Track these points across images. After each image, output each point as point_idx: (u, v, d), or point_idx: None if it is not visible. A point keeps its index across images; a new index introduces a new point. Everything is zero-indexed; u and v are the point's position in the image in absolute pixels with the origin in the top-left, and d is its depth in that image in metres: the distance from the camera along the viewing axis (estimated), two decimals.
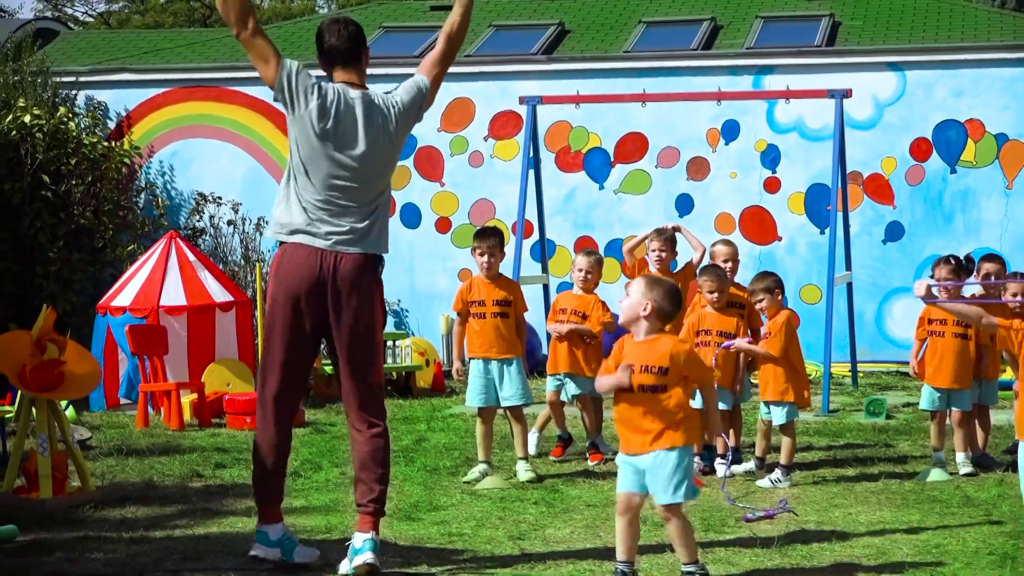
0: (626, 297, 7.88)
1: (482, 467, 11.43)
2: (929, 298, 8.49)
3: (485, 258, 11.41)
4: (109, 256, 18.87)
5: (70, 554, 8.97)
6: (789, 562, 8.68)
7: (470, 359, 11.57)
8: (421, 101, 8.57)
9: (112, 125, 20.01)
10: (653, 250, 12.37)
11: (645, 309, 7.69)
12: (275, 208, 8.40)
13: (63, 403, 11.63)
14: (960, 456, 11.34)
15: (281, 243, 8.30)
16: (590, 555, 8.91)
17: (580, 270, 12.17)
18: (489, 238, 11.53)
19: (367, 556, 8.01)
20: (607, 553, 8.95)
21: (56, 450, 10.69)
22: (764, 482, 11.14)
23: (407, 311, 19.10)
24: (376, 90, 8.53)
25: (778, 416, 11.33)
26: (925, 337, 11.64)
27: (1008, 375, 12.43)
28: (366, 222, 8.31)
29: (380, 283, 8.47)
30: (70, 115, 19.20)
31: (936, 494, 10.69)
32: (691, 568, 7.64)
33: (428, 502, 10.51)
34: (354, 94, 8.36)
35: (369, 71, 20.46)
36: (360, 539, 8.09)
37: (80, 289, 18.55)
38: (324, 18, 26.46)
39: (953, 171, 18.56)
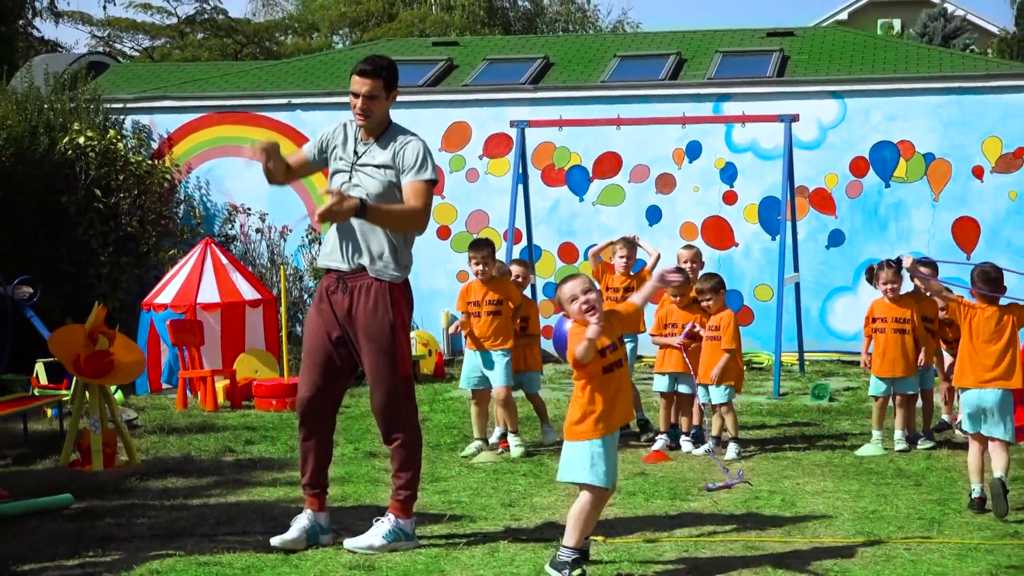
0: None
1: (477, 443, 11.42)
2: (914, 271, 9.89)
3: (480, 267, 11.46)
4: (152, 260, 18.87)
5: (118, 519, 8.96)
6: (745, 526, 8.68)
7: (466, 349, 11.57)
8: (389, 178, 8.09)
9: (155, 146, 19.99)
10: (620, 256, 12.36)
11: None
12: (394, 253, 8.02)
13: (112, 388, 11.65)
14: (898, 433, 11.35)
15: (405, 280, 8.14)
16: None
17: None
18: (483, 249, 11.58)
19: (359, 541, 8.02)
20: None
21: (106, 428, 10.70)
22: (730, 454, 11.15)
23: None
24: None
25: (718, 396, 11.39)
26: (871, 334, 11.62)
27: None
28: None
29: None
30: (119, 137, 19.20)
31: (872, 466, 10.71)
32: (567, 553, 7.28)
33: (431, 474, 10.50)
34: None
35: None
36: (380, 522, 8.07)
37: (127, 288, 18.53)
38: (342, 52, 26.41)
39: (887, 185, 18.56)
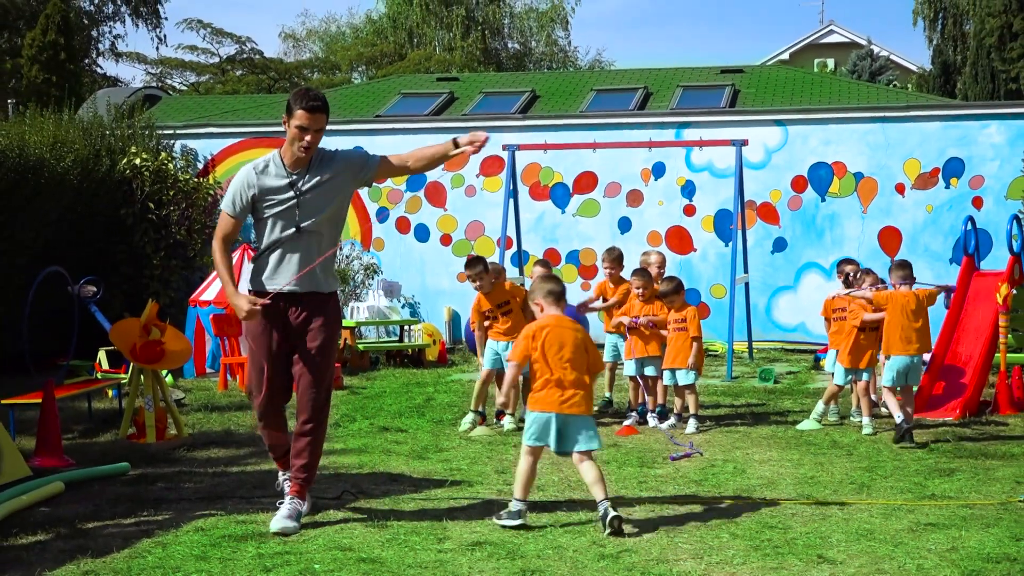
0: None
1: (472, 416, 11.42)
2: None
3: (477, 282, 11.46)
4: (198, 263, 18.86)
5: (168, 484, 8.94)
6: (702, 489, 8.68)
7: (490, 339, 11.56)
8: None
9: (200, 166, 19.98)
10: (606, 268, 12.38)
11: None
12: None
13: (164, 372, 11.63)
14: (865, 419, 11.12)
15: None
16: (552, 485, 8.89)
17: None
18: (475, 266, 11.57)
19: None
20: (566, 484, 8.94)
21: (158, 407, 10.71)
22: (689, 428, 11.19)
23: (419, 303, 19.07)
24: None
25: (684, 378, 11.39)
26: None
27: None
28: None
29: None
30: (169, 159, 19.18)
31: (811, 438, 10.73)
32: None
33: (435, 446, 10.50)
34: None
35: (391, 126, 20.45)
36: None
37: (176, 287, 18.52)
38: (360, 86, 26.39)
39: (823, 200, 18.59)
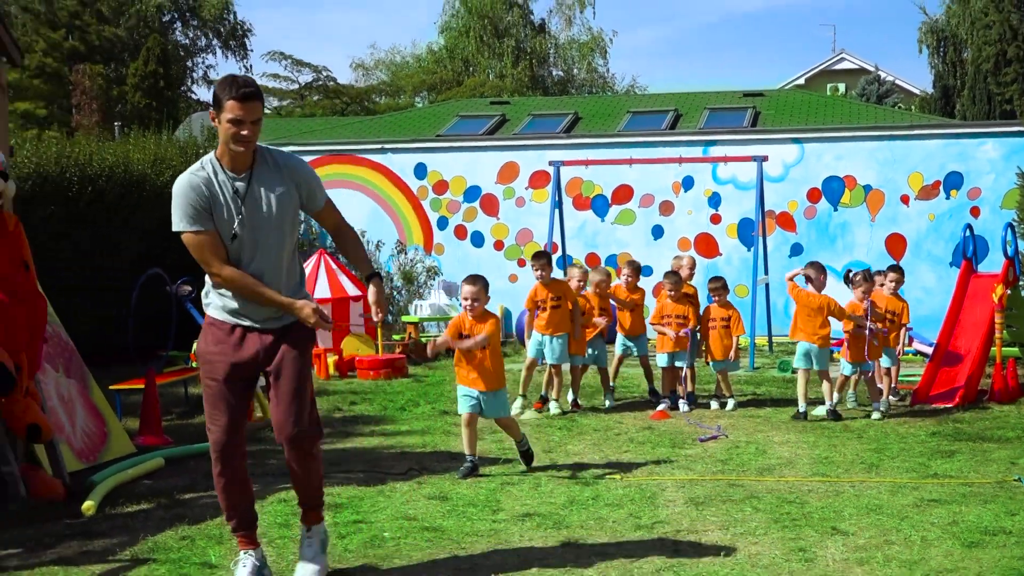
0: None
1: (520, 400, 11.42)
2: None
3: (539, 272, 11.40)
4: None
5: (254, 460, 8.97)
6: (727, 468, 8.64)
7: (534, 332, 11.54)
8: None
9: None
10: (624, 275, 12.32)
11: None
12: (303, 286, 5.88)
13: None
14: (880, 403, 11.09)
15: None
16: (594, 464, 8.89)
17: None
18: (541, 258, 11.61)
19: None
20: (607, 462, 8.92)
21: None
22: (729, 406, 11.47)
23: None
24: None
25: (731, 367, 11.78)
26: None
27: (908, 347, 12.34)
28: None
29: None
30: None
31: (824, 423, 10.64)
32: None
33: (489, 427, 10.48)
34: None
35: (449, 144, 20.45)
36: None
37: None
38: (422, 109, 26.44)
39: (836, 210, 18.47)
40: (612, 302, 12.23)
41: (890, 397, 11.49)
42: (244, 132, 5.44)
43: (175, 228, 5.58)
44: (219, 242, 5.53)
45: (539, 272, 11.44)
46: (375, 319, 5.71)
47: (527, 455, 8.70)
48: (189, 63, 41.43)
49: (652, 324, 11.84)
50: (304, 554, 5.96)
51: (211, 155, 5.59)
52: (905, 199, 18.23)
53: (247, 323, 5.65)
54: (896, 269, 12.02)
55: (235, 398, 5.68)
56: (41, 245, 9.81)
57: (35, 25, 34.99)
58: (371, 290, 5.70)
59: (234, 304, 5.64)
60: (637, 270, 12.50)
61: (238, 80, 5.48)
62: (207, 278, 5.68)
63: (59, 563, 6.22)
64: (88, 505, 7.38)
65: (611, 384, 12.15)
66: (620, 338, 12.29)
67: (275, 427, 5.73)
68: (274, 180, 5.62)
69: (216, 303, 5.70)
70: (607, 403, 11.82)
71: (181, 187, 5.55)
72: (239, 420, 5.70)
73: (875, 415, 10.88)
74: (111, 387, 10.82)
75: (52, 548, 6.58)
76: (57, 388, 8.94)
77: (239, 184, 5.54)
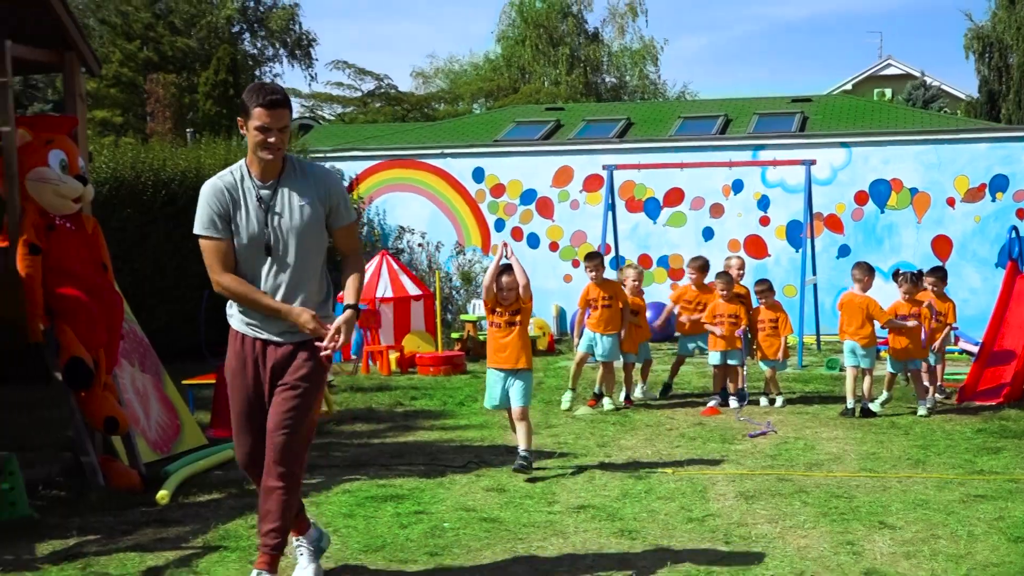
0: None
1: (570, 393, 11.39)
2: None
3: (592, 273, 11.36)
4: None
5: (320, 453, 9.05)
6: (776, 463, 8.59)
7: (586, 329, 11.51)
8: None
9: (346, 183, 20.18)
10: (631, 279, 12.14)
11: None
12: (329, 303, 5.54)
13: None
14: (926, 400, 10.96)
15: None
16: (647, 458, 8.86)
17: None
18: (594, 259, 11.55)
19: None
20: (658, 456, 8.90)
21: None
22: (778, 403, 11.41)
23: None
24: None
25: (779, 366, 11.71)
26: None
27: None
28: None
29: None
30: None
31: (872, 419, 10.53)
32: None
33: (545, 422, 10.50)
34: None
35: (507, 149, 20.38)
36: None
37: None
38: (480, 115, 26.46)
39: (882, 212, 18.28)
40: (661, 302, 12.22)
41: (936, 395, 11.35)
42: (271, 139, 5.20)
43: (194, 231, 5.36)
44: (229, 251, 5.29)
45: (592, 272, 11.41)
46: (326, 344, 5.16)
47: (522, 464, 8.18)
48: (257, 72, 41.71)
49: (705, 323, 11.78)
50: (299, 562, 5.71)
51: (243, 161, 5.38)
52: (951, 201, 18.01)
53: (265, 336, 5.35)
54: (934, 272, 11.84)
55: (259, 415, 5.35)
56: (117, 246, 9.93)
57: (112, 37, 35.41)
58: (342, 315, 5.27)
59: (251, 317, 5.36)
60: (703, 268, 12.35)
61: (265, 87, 5.26)
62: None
63: (136, 549, 6.30)
64: (162, 494, 7.46)
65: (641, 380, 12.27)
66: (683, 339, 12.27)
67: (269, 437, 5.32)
68: (300, 190, 5.33)
69: (236, 316, 5.43)
70: (638, 393, 11.81)
71: (205, 191, 5.35)
72: (262, 441, 5.33)
73: (920, 411, 10.76)
74: (184, 382, 10.93)
75: (129, 535, 6.67)
76: (133, 382, 9.05)
77: (264, 192, 5.30)
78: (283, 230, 5.28)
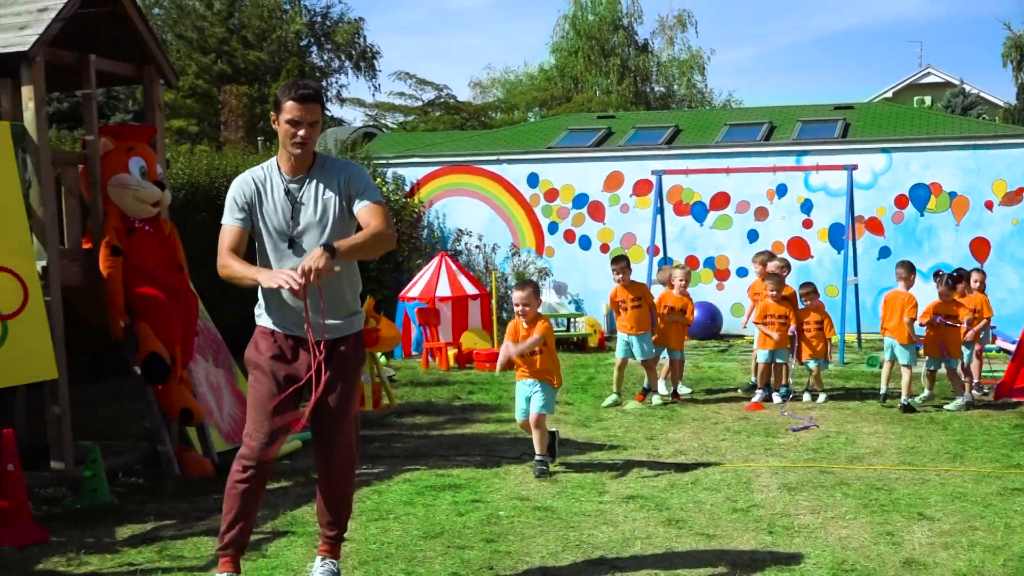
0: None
1: (614, 397, 11.34)
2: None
3: (618, 276, 11.31)
4: (406, 267, 19.13)
5: (382, 444, 9.10)
6: (819, 456, 8.52)
7: (619, 332, 11.47)
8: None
9: (407, 189, 20.25)
10: (678, 279, 12.07)
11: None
12: (357, 304, 5.31)
13: (379, 354, 11.82)
14: (959, 400, 10.80)
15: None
16: (693, 450, 8.82)
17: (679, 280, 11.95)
18: (619, 262, 11.49)
19: None
20: (704, 449, 8.85)
21: (375, 381, 10.87)
22: (821, 399, 11.31)
23: (583, 300, 19.06)
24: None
25: (821, 365, 11.65)
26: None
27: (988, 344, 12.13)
28: None
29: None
30: (383, 183, 19.51)
31: (911, 415, 10.41)
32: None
33: (596, 416, 10.49)
34: None
35: (560, 155, 20.36)
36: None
37: (389, 286, 18.80)
38: (535, 123, 26.47)
39: (922, 215, 18.05)
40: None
41: (974, 392, 11.21)
42: (301, 132, 4.98)
43: (222, 221, 5.14)
44: (240, 237, 5.06)
45: (619, 275, 11.38)
46: (297, 278, 4.68)
47: (541, 468, 7.89)
48: (324, 83, 42.03)
49: (755, 323, 11.70)
50: None
51: (274, 158, 5.21)
52: (989, 204, 17.75)
53: (296, 333, 5.12)
54: (955, 278, 11.48)
55: (280, 407, 5.10)
56: (193, 248, 10.04)
57: (188, 51, 35.80)
58: (309, 253, 4.85)
59: (280, 314, 5.15)
60: (767, 263, 12.32)
61: (298, 82, 5.07)
62: (259, 291, 5.20)
63: (209, 534, 6.37)
64: None
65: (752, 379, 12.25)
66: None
67: (318, 438, 5.25)
68: (326, 183, 5.10)
69: (265, 316, 5.23)
70: (662, 390, 11.68)
71: (234, 182, 5.18)
72: (279, 434, 5.13)
73: (948, 406, 10.66)
74: None
75: (202, 520, 6.74)
76: (207, 376, 9.15)
77: (292, 186, 5.09)
78: (308, 223, 5.08)
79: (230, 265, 4.96)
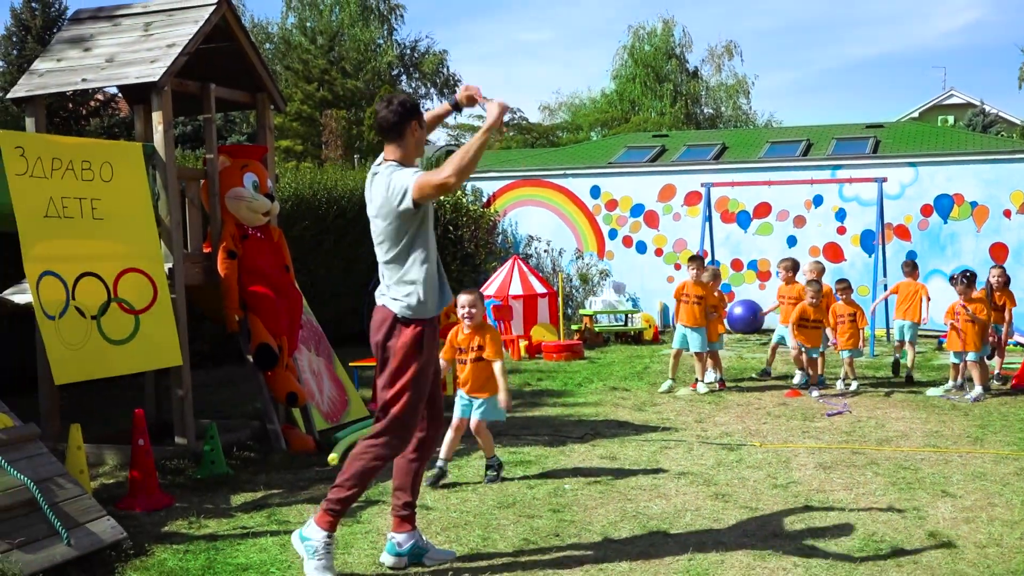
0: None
1: (670, 383, 11.24)
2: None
3: (693, 271, 11.22)
4: (483, 268, 19.15)
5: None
6: (851, 438, 8.37)
7: (677, 324, 11.38)
8: (396, 200, 4.82)
9: (484, 199, 20.29)
10: (782, 275, 11.94)
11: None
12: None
13: None
14: (978, 389, 10.55)
15: None
16: (737, 433, 8.72)
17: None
18: (696, 261, 11.33)
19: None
20: (747, 432, 8.74)
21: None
22: (853, 387, 11.08)
23: (639, 298, 18.93)
24: (393, 167, 4.95)
25: (855, 355, 11.41)
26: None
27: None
28: (387, 281, 4.94)
29: (399, 334, 4.88)
30: (463, 195, 19.55)
31: (935, 403, 10.20)
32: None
33: (650, 401, 10.42)
34: (375, 168, 5.02)
35: (619, 170, 20.25)
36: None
37: (467, 285, 18.75)
38: (597, 142, 26.39)
39: (945, 222, 17.67)
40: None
41: (994, 381, 10.95)
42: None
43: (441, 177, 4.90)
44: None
45: (693, 271, 11.29)
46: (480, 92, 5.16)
47: (493, 470, 7.01)
48: None
49: (791, 323, 11.47)
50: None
51: (383, 156, 5.07)
52: (1007, 213, 17.32)
53: (430, 316, 4.98)
54: (971, 277, 11.18)
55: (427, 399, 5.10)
56: (297, 252, 10.15)
57: (294, 80, 36.19)
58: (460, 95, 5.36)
59: (440, 294, 4.99)
60: (794, 267, 12.15)
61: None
62: (413, 280, 4.96)
63: (311, 502, 6.43)
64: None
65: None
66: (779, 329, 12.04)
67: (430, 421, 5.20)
68: (385, 181, 4.91)
69: (428, 301, 4.95)
70: (710, 378, 11.51)
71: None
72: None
73: (969, 395, 10.40)
74: (351, 364, 11.12)
75: (305, 490, 6.81)
76: (310, 364, 9.24)
77: (370, 176, 5.03)
78: (372, 212, 5.05)
79: (453, 160, 4.73)
